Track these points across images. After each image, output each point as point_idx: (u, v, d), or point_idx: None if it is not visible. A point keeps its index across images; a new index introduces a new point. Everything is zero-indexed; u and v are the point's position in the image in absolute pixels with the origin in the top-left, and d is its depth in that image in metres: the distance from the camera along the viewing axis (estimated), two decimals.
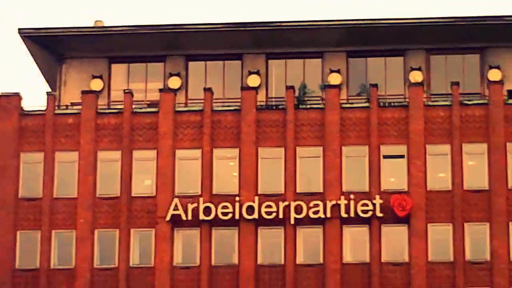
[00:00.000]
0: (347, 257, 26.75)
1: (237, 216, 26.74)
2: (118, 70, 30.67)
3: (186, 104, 29.47)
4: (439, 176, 27.33)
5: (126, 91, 28.72)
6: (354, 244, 27.07)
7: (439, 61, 30.01)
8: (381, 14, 42.38)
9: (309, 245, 27.27)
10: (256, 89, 28.82)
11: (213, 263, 26.98)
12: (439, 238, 26.91)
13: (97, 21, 30.07)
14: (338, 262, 26.50)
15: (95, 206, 27.42)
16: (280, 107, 28.32)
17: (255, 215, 26.74)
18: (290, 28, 29.78)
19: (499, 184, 26.67)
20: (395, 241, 27.07)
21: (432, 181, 27.19)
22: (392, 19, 29.66)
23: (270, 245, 27.26)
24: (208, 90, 28.37)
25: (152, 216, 27.41)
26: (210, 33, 29.92)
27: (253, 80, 29.66)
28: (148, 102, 29.39)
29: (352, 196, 26.68)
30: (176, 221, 26.94)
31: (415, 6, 65.92)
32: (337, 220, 26.75)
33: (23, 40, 29.28)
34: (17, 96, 28.49)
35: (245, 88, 28.96)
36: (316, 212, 26.64)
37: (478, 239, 26.68)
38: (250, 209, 26.75)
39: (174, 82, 29.75)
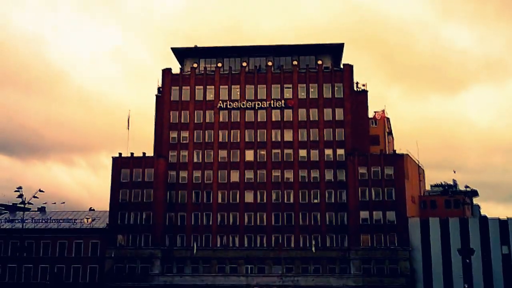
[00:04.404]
0: (274, 117, 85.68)
1: (244, 106, 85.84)
2: (201, 61, 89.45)
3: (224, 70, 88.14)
4: (302, 94, 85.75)
5: (204, 67, 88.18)
6: (277, 121, 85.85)
7: (301, 59, 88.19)
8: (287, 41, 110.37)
9: (261, 118, 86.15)
10: (245, 67, 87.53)
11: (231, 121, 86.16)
12: (302, 115, 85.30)
13: (195, 44, 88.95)
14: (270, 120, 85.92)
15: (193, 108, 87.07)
16: (253, 72, 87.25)
17: (250, 105, 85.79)
18: (264, 47, 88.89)
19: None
20: (289, 116, 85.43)
21: (301, 94, 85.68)
22: (287, 44, 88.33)
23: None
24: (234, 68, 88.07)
25: (213, 106, 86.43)
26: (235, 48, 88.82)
27: (244, 64, 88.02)
28: (211, 70, 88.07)
29: (273, 101, 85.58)
30: (221, 108, 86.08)
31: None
32: (269, 108, 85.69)
33: (173, 51, 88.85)
34: (169, 69, 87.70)
35: (243, 67, 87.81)
36: (262, 105, 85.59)
37: None
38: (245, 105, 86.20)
39: (218, 65, 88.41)
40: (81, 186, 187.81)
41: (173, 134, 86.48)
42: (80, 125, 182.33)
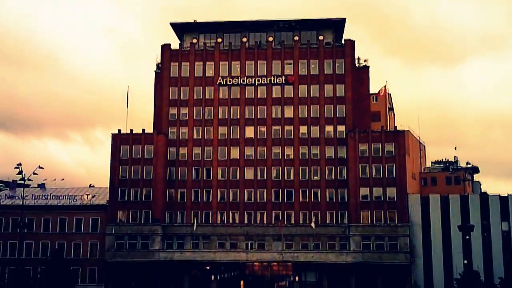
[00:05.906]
0: (274, 94, 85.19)
1: (244, 82, 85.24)
2: (201, 36, 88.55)
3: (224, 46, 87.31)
4: (303, 70, 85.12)
5: (203, 43, 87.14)
6: (278, 97, 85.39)
7: (302, 35, 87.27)
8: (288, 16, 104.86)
9: (261, 94, 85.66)
10: (245, 42, 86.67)
11: (231, 97, 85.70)
12: (303, 91, 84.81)
13: (194, 19, 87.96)
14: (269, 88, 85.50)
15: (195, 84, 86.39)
16: (253, 48, 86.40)
17: (250, 82, 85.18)
18: (264, 22, 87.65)
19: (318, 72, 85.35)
20: (289, 92, 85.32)
21: (302, 70, 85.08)
22: (288, 19, 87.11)
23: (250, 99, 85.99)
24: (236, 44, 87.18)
25: (213, 82, 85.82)
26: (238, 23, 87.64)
27: (244, 40, 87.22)
28: (211, 45, 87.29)
29: (273, 77, 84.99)
30: (221, 84, 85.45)
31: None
32: (270, 84, 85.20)
33: (172, 27, 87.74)
34: (168, 45, 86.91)
35: (243, 42, 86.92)
36: (262, 81, 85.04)
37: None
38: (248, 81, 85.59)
39: (218, 41, 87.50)
40: (79, 162, 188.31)
41: (173, 111, 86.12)
42: (74, 101, 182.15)
